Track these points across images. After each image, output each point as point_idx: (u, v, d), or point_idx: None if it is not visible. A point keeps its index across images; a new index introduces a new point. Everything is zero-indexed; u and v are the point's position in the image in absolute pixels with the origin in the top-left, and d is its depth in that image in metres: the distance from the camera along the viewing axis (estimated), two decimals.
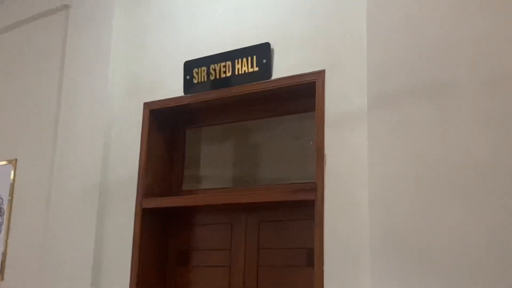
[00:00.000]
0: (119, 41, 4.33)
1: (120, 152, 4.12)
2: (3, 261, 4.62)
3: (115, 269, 3.90)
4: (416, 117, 2.67)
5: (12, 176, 4.76)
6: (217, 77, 3.69)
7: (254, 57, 3.53)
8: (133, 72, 4.24)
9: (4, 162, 4.89)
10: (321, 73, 3.23)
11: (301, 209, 3.42)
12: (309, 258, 3.32)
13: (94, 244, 3.97)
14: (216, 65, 3.70)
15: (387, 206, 2.68)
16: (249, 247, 3.69)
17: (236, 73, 3.61)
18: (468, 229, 2.40)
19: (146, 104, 4.06)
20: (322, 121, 3.17)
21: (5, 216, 4.70)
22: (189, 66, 3.83)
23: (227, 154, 4.04)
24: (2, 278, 4.59)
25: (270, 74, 3.47)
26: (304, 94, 3.39)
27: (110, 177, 4.11)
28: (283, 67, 3.44)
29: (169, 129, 4.19)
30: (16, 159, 4.79)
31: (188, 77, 3.82)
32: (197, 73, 3.78)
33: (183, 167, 4.18)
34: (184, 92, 3.84)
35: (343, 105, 3.14)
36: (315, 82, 3.25)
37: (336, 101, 3.16)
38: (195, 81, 3.79)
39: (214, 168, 4.08)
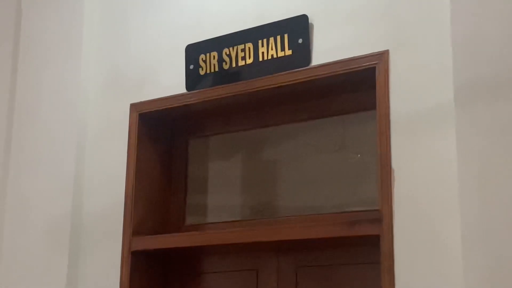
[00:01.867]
0: (93, 22, 4.16)
1: (99, 174, 3.89)
2: None
3: None
4: None
5: None
6: (233, 65, 3.44)
7: (286, 36, 3.29)
8: (114, 64, 4.03)
9: None
10: (383, 56, 2.97)
11: (356, 249, 3.17)
12: None
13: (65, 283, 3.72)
14: (231, 49, 3.45)
15: (490, 244, 2.39)
16: None
17: (260, 59, 3.36)
18: None
19: (133, 106, 3.83)
20: (386, 124, 2.90)
21: None
22: (193, 52, 3.61)
23: (246, 174, 3.77)
24: None
25: (308, 60, 3.21)
26: (359, 86, 3.14)
27: (85, 209, 3.88)
28: (327, 49, 3.17)
29: (165, 140, 3.94)
30: None
31: (191, 67, 3.59)
32: (205, 61, 3.54)
33: (186, 193, 3.91)
34: (187, 88, 3.61)
35: (417, 100, 2.87)
36: (374, 68, 2.99)
37: (407, 94, 2.90)
38: (201, 72, 3.56)
39: (229, 193, 3.80)
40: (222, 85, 3.46)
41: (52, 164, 3.98)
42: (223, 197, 3.79)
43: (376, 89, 2.95)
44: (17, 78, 4.30)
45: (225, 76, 3.46)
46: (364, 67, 3.01)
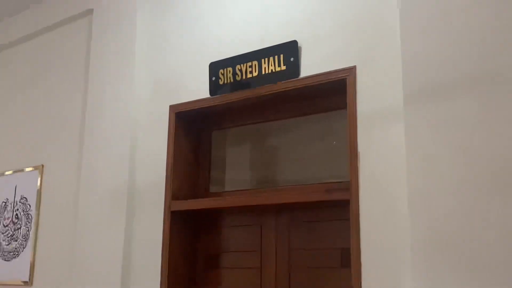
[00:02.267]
0: (143, 44, 4.22)
1: (147, 155, 4.01)
2: (32, 267, 4.51)
3: (144, 273, 3.79)
4: (457, 112, 2.51)
5: (39, 182, 4.65)
6: (243, 77, 3.56)
7: (281, 55, 3.40)
8: (158, 75, 4.12)
9: (30, 168, 4.79)
10: (352, 69, 3.09)
11: (332, 210, 3.30)
12: (344, 259, 3.17)
13: (123, 248, 3.87)
14: (242, 65, 3.56)
15: (428, 205, 2.52)
16: (279, 248, 3.53)
17: (263, 72, 3.47)
18: None
19: (171, 107, 3.94)
20: (354, 119, 3.02)
21: (33, 222, 4.59)
22: (215, 67, 3.71)
23: (254, 155, 3.91)
24: (32, 284, 4.47)
25: (298, 73, 3.33)
26: (334, 91, 3.24)
27: (137, 180, 4.00)
28: (312, 65, 3.30)
29: (195, 132, 4.05)
30: (42, 165, 4.70)
31: (213, 79, 3.69)
32: (223, 74, 3.65)
33: (210, 169, 4.05)
34: (210, 93, 3.71)
35: (377, 102, 2.98)
36: (345, 79, 3.11)
37: (369, 97, 3.02)
38: (220, 82, 3.66)
39: (241, 169, 3.94)
40: (235, 92, 3.59)
41: (114, 148, 4.12)
42: (236, 172, 3.94)
43: (346, 94, 3.08)
44: (88, 86, 4.45)
45: (237, 85, 3.58)
46: (338, 78, 3.13)
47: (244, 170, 3.92)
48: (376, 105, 2.97)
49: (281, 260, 3.51)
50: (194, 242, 3.93)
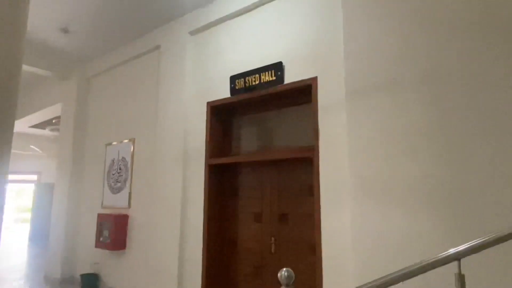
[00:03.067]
0: (190, 66, 4.08)
1: (194, 133, 3.93)
2: (130, 197, 4.50)
3: (195, 199, 3.76)
4: (377, 103, 2.42)
5: (132, 149, 4.58)
6: (250, 84, 3.41)
7: (272, 71, 3.27)
8: (199, 84, 4.00)
9: (127, 140, 4.72)
10: (315, 78, 2.98)
11: (304, 162, 3.17)
12: (310, 191, 3.07)
13: (182, 186, 3.83)
14: (249, 77, 3.44)
15: (360, 162, 2.44)
16: (272, 185, 3.45)
17: (262, 81, 3.34)
18: (416, 173, 2.19)
19: (208, 103, 3.84)
20: (316, 108, 2.91)
21: (129, 172, 4.53)
22: (233, 79, 3.58)
23: (257, 132, 3.77)
24: (130, 207, 4.46)
25: (283, 81, 3.20)
26: (305, 92, 3.10)
27: (188, 147, 3.93)
28: (291, 76, 3.18)
29: (222, 118, 3.95)
30: (134, 138, 4.61)
31: (232, 86, 3.57)
32: (238, 83, 3.52)
33: (231, 140, 3.91)
34: (231, 94, 3.60)
35: (330, 98, 2.85)
36: (311, 84, 2.98)
37: (325, 95, 2.89)
38: (237, 87, 3.54)
39: (250, 140, 3.81)
40: (246, 93, 3.45)
41: (174, 129, 4.01)
42: (248, 141, 3.81)
43: (311, 94, 2.93)
44: (159, 94, 4.31)
45: (247, 89, 3.44)
46: (307, 84, 3.01)
47: (251, 140, 3.79)
48: (329, 100, 2.83)
49: (273, 192, 3.43)
50: (222, 182, 3.84)
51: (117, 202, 4.66)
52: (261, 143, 3.67)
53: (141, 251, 4.20)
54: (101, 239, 4.55)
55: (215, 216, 3.68)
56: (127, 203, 4.50)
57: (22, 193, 18.92)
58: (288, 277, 1.35)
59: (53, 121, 8.16)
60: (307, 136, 3.23)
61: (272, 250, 3.30)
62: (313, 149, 2.86)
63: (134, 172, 4.54)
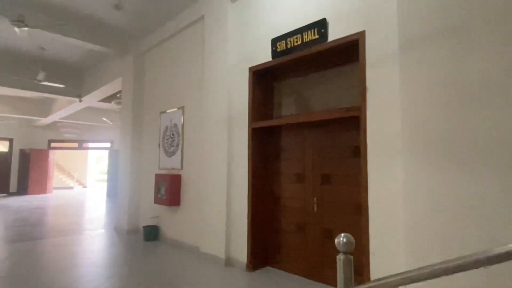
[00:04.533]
0: (232, 32, 3.70)
1: (238, 98, 3.62)
2: (182, 160, 4.41)
3: (240, 160, 3.54)
4: (437, 52, 1.91)
5: (182, 116, 4.41)
6: (292, 45, 2.99)
7: (315, 29, 2.81)
8: (242, 50, 3.64)
9: (175, 109, 4.56)
10: (361, 33, 2.48)
11: (347, 122, 2.74)
12: (354, 152, 2.67)
13: (227, 149, 3.60)
14: (291, 38, 3.00)
15: (416, 115, 1.98)
16: (314, 147, 3.10)
17: (304, 41, 2.88)
18: (485, 131, 1.72)
19: (250, 68, 3.47)
20: (364, 64, 2.43)
21: (181, 137, 4.39)
22: (274, 41, 3.19)
23: (297, 94, 3.36)
24: (182, 168, 4.36)
25: (326, 38, 2.73)
26: (350, 49, 2.64)
27: (232, 112, 3.64)
28: (336, 32, 2.69)
29: (263, 82, 3.60)
30: (183, 106, 4.41)
31: (274, 48, 3.17)
32: (279, 45, 3.12)
33: (272, 103, 3.57)
34: (272, 58, 3.20)
35: (378, 52, 2.35)
36: (358, 39, 2.48)
37: (374, 49, 2.38)
38: (278, 50, 3.12)
39: (290, 102, 3.43)
40: (287, 55, 3.02)
41: (219, 94, 3.73)
42: (289, 104, 3.44)
43: (359, 49, 2.45)
44: (204, 61, 4.02)
45: (289, 51, 3.01)
46: (352, 39, 2.53)
47: (293, 103, 3.41)
48: (378, 54, 2.35)
49: (315, 154, 3.07)
50: (265, 144, 3.55)
51: (171, 164, 4.59)
52: (302, 106, 3.28)
53: (193, 207, 4.12)
54: (158, 196, 4.54)
55: (259, 175, 3.44)
56: (180, 165, 4.41)
57: (101, 158, 20.23)
58: (347, 243, 1.03)
59: (118, 95, 8.29)
60: (351, 95, 2.79)
61: (315, 209, 2.99)
62: (359, 109, 2.42)
63: (184, 137, 4.39)
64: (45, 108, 11.12)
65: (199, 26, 4.24)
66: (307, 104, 3.23)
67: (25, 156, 12.45)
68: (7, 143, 12.56)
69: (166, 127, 4.77)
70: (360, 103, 2.43)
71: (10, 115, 10.82)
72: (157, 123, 4.98)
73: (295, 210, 3.20)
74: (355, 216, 2.66)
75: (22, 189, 12.28)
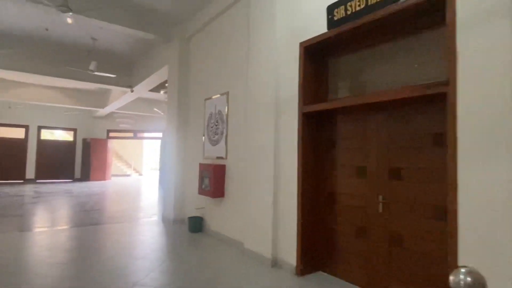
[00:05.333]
0: (280, 5, 3.28)
1: (286, 80, 3.22)
2: (226, 149, 4.17)
3: (288, 150, 3.17)
4: None
5: (226, 102, 4.17)
6: (353, 10, 2.46)
7: None
8: (291, 25, 3.20)
9: (219, 95, 4.32)
10: None
11: (426, 102, 2.17)
12: (436, 139, 2.11)
13: (274, 137, 3.22)
14: (351, 2, 2.44)
15: None
16: (380, 134, 2.58)
17: (369, 3, 2.34)
18: None
19: (301, 44, 3.03)
20: (452, 26, 1.82)
21: (225, 124, 4.13)
22: (331, 8, 2.70)
23: (358, 72, 2.82)
24: (226, 157, 4.11)
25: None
26: (430, 9, 2.04)
27: (280, 95, 3.25)
28: None
29: (317, 60, 3.12)
30: (228, 91, 4.16)
31: (330, 17, 2.69)
32: (337, 12, 2.62)
33: (327, 84, 3.11)
34: (328, 28, 2.73)
35: (476, 7, 1.73)
36: None
37: (468, 5, 1.77)
38: (335, 18, 2.63)
39: (349, 82, 2.90)
40: (348, 23, 2.51)
41: (265, 76, 3.37)
42: (347, 84, 2.93)
43: (445, 7, 1.87)
44: (250, 41, 3.66)
45: (348, 17, 2.51)
46: None
47: (352, 83, 2.90)
48: (475, 10, 1.74)
49: (382, 143, 2.56)
50: (318, 132, 3.10)
51: (215, 153, 4.38)
52: (363, 86, 2.76)
53: (237, 199, 3.86)
54: (203, 186, 4.37)
55: (310, 167, 3.02)
56: (224, 154, 4.16)
57: (155, 148, 21.30)
58: (474, 284, 0.60)
59: (166, 84, 8.40)
60: (431, 69, 2.21)
61: (380, 210, 2.50)
62: (447, 83, 1.86)
63: (229, 124, 4.13)
64: (102, 99, 11.83)
65: (243, 4, 3.88)
66: (368, 83, 2.70)
67: (87, 145, 13.50)
68: (72, 133, 13.72)
69: (211, 114, 4.55)
70: (448, 77, 1.86)
71: (74, 107, 11.71)
72: (202, 110, 4.79)
73: (354, 209, 2.73)
74: (436, 222, 2.12)
75: (85, 176, 13.36)
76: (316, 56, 3.07)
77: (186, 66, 5.32)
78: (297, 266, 2.90)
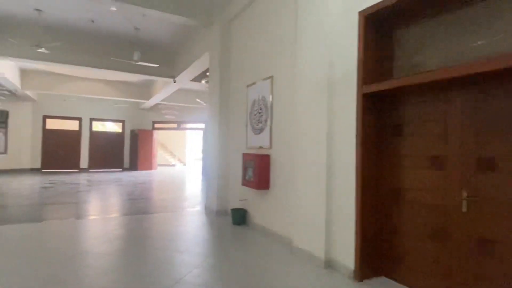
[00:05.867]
0: None
1: (341, 56, 2.82)
2: (270, 137, 3.85)
3: (344, 138, 2.78)
4: None
5: (270, 87, 3.88)
6: None
7: None
8: None
9: (262, 80, 4.02)
10: None
11: None
12: None
13: (327, 123, 2.87)
14: None
15: None
16: (465, 116, 2.08)
17: None
18: None
19: (360, 13, 2.61)
20: None
21: (269, 111, 3.84)
22: None
23: (435, 41, 2.32)
24: (271, 147, 3.82)
25: None
26: None
27: (335, 75, 2.86)
28: None
29: (380, 31, 2.66)
30: (272, 75, 3.87)
31: None
32: None
33: (392, 59, 2.62)
34: None
35: None
36: None
37: None
38: None
39: (422, 54, 2.41)
40: None
41: (316, 55, 2.98)
42: (419, 57, 2.43)
43: None
44: (298, 14, 3.31)
45: None
46: None
47: (424, 55, 2.40)
48: None
49: (466, 126, 2.07)
50: (380, 117, 2.66)
51: (259, 142, 4.12)
52: (441, 57, 2.25)
53: (284, 192, 3.57)
54: (246, 177, 4.15)
55: (372, 159, 2.60)
56: (269, 143, 3.88)
57: (198, 138, 21.75)
58: None
59: (207, 73, 8.31)
60: None
61: (463, 209, 2.04)
62: None
63: (274, 111, 3.82)
64: (147, 91, 12.19)
65: None
66: (450, 55, 2.20)
67: (134, 136, 14.11)
68: (120, 124, 14.41)
69: (254, 101, 4.27)
70: None
71: (121, 99, 12.21)
72: (244, 98, 4.54)
73: (428, 207, 2.29)
74: None
75: (133, 165, 14.02)
76: (379, 27, 2.61)
77: (228, 52, 5.09)
78: (355, 270, 2.54)
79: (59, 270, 2.64)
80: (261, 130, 4.08)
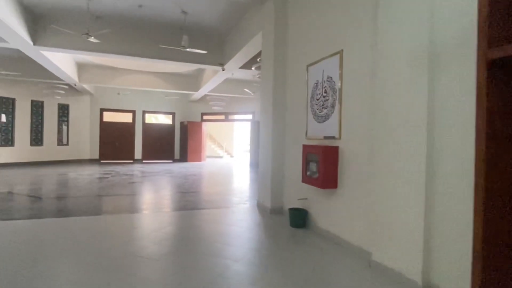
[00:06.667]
0: None
1: (449, 10, 2.04)
2: (339, 126, 3.20)
3: (454, 128, 2.05)
4: None
5: (339, 64, 3.25)
6: None
7: None
8: None
9: (328, 57, 3.37)
10: None
11: None
12: None
13: (426, 103, 2.15)
14: None
15: None
16: None
17: None
18: None
19: None
20: None
21: (337, 94, 3.20)
22: None
23: None
24: (340, 138, 3.18)
25: None
26: None
27: (439, 36, 2.14)
28: None
29: None
30: (342, 50, 3.21)
31: None
32: None
33: None
34: None
35: None
36: None
37: None
38: None
39: None
40: None
41: (408, 12, 2.29)
42: None
43: None
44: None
45: None
46: None
47: None
48: None
49: None
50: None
51: (323, 132, 3.51)
52: None
53: (358, 193, 2.94)
54: (308, 173, 3.58)
55: (500, 152, 1.86)
56: (337, 133, 3.25)
57: (245, 130, 21.60)
58: None
59: (258, 59, 7.83)
60: None
61: None
62: None
63: (343, 94, 3.18)
64: (196, 82, 12.13)
65: None
66: None
67: (184, 128, 14.27)
68: (171, 116, 14.67)
69: (316, 83, 3.66)
70: None
71: (171, 91, 12.32)
72: (304, 80, 3.94)
73: None
74: None
75: (183, 157, 14.23)
76: None
77: (284, 28, 4.51)
78: None
79: (105, 277, 2.37)
80: (326, 117, 3.47)
